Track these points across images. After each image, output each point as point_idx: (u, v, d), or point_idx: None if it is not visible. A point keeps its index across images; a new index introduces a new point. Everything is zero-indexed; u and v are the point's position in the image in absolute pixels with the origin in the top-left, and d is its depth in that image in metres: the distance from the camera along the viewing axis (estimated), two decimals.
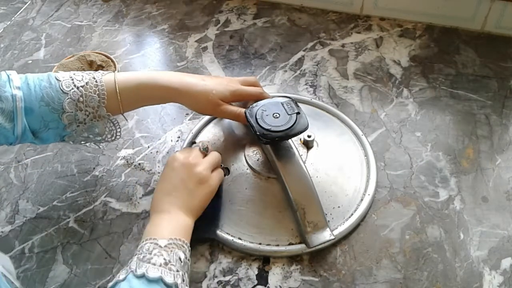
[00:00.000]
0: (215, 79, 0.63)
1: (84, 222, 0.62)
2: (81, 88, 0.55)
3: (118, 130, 0.60)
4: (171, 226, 0.52)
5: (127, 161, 0.69)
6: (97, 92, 0.56)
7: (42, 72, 0.84)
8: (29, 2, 1.03)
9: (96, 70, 0.81)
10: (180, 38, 0.89)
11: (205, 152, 0.60)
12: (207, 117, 0.73)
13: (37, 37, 0.93)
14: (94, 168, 0.69)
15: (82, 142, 0.60)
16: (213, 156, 0.60)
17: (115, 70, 0.78)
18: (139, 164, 0.69)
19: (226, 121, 0.72)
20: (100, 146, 0.62)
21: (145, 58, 0.86)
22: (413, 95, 0.75)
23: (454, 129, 0.70)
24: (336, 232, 0.58)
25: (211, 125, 0.72)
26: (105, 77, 0.57)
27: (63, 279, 0.57)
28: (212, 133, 0.71)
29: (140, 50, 0.88)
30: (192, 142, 0.69)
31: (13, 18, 0.99)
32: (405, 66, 0.80)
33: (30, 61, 0.87)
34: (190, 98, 0.60)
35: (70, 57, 0.82)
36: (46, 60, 0.87)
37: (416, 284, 0.54)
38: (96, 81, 0.56)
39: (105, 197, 0.65)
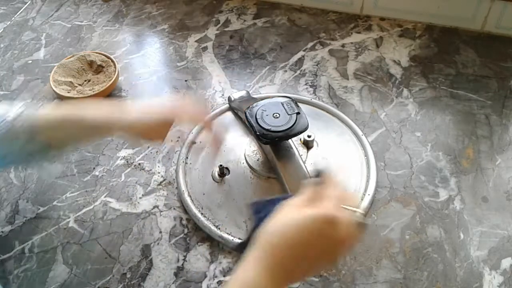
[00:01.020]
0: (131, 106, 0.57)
1: (84, 222, 0.62)
2: (11, 121, 0.52)
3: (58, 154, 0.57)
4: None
5: (127, 161, 0.69)
6: (30, 124, 0.53)
7: (42, 71, 0.85)
8: (29, 2, 1.03)
9: (96, 70, 0.81)
10: (180, 38, 0.89)
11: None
12: (207, 117, 0.73)
13: (37, 37, 0.93)
14: (94, 168, 0.69)
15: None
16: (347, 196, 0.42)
17: (115, 70, 0.79)
18: (139, 164, 0.69)
19: (226, 121, 0.72)
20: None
21: (145, 58, 0.86)
22: (413, 95, 0.75)
23: (454, 129, 0.70)
24: None
25: None
26: (39, 112, 0.54)
27: (63, 279, 0.57)
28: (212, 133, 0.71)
29: (140, 50, 0.88)
30: (193, 142, 0.69)
31: (13, 18, 0.98)
32: (405, 66, 0.80)
33: (30, 61, 0.87)
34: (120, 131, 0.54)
35: (70, 57, 0.82)
36: (46, 60, 0.87)
37: (416, 284, 0.54)
38: (24, 115, 0.53)
39: (105, 197, 0.65)
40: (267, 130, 0.57)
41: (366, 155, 0.66)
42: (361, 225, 0.40)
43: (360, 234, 0.40)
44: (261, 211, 0.44)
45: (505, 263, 0.56)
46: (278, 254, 0.38)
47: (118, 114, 0.54)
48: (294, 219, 0.39)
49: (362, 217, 0.40)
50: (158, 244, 0.60)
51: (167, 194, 0.65)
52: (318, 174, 0.43)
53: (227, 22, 0.92)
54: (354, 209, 0.40)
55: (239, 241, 0.57)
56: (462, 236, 0.58)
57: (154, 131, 0.54)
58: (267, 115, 0.58)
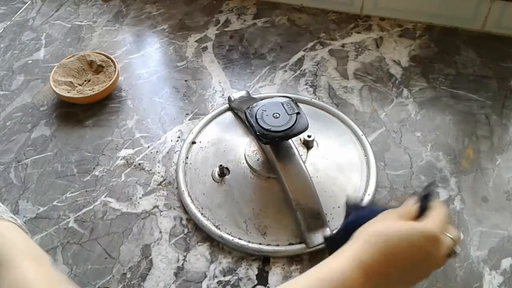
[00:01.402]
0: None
1: (84, 222, 0.62)
2: None
3: None
4: None
5: (127, 161, 0.69)
6: None
7: (42, 71, 0.85)
8: (29, 2, 1.03)
9: (96, 70, 0.81)
10: (180, 38, 0.89)
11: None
12: (207, 117, 0.73)
13: (37, 37, 0.93)
14: (94, 168, 0.69)
15: None
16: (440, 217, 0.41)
17: (115, 70, 0.79)
18: (139, 164, 0.69)
19: (227, 121, 0.72)
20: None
21: (145, 58, 0.86)
22: (413, 95, 0.75)
23: (454, 129, 0.70)
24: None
25: (211, 125, 0.72)
26: None
27: None
28: (212, 133, 0.71)
29: (140, 50, 0.88)
30: (193, 142, 0.69)
31: (13, 18, 0.99)
32: (405, 66, 0.80)
33: (30, 61, 0.87)
34: None
35: (70, 57, 0.82)
36: (46, 60, 0.87)
37: (416, 284, 0.54)
38: None
39: (105, 197, 0.65)
40: (267, 130, 0.57)
41: (366, 155, 0.66)
42: (453, 253, 0.41)
43: (448, 261, 0.41)
44: (359, 212, 0.44)
45: (505, 263, 0.56)
46: (380, 259, 0.37)
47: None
48: (401, 229, 0.39)
49: (457, 247, 0.41)
50: (158, 244, 0.60)
51: (167, 194, 0.65)
52: (428, 194, 0.42)
53: (227, 22, 0.92)
54: (451, 236, 0.41)
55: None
56: (462, 236, 0.58)
57: None
58: (267, 115, 0.58)
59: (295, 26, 0.91)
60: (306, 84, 0.78)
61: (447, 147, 0.68)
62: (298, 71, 0.81)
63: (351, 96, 0.76)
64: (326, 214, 0.59)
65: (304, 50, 0.85)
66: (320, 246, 0.56)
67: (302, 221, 0.57)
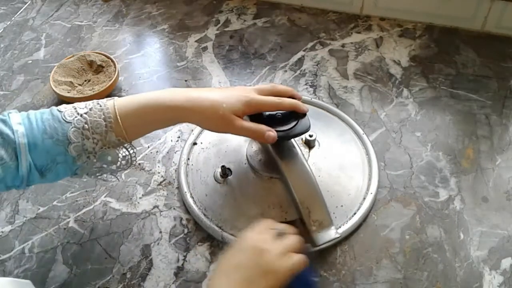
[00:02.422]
0: (225, 91, 0.56)
1: (84, 222, 0.62)
2: (84, 115, 0.50)
3: (133, 154, 0.54)
4: None
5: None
6: (103, 117, 0.50)
7: (42, 71, 0.85)
8: (29, 2, 1.03)
9: (96, 70, 0.81)
10: (180, 38, 0.89)
11: (281, 234, 0.51)
12: None
13: (37, 37, 0.93)
14: None
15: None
16: (290, 240, 0.50)
17: (115, 70, 0.79)
18: (139, 164, 0.69)
19: None
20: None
21: (145, 58, 0.86)
22: (413, 95, 0.75)
23: (454, 129, 0.70)
24: (339, 231, 0.58)
25: None
26: (108, 103, 0.52)
27: (63, 279, 0.57)
28: (213, 134, 0.70)
29: (140, 50, 0.88)
30: (194, 143, 0.69)
31: (13, 18, 0.99)
32: (405, 66, 0.80)
33: (30, 61, 0.87)
34: (199, 116, 0.53)
35: (70, 57, 0.82)
36: (46, 60, 0.87)
37: (416, 284, 0.54)
38: (100, 106, 0.51)
39: (105, 197, 0.65)
40: None
41: (367, 153, 0.66)
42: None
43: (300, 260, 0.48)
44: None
45: (505, 263, 0.56)
46: (224, 278, 0.47)
47: (196, 97, 0.53)
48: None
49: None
50: (158, 244, 0.60)
51: (167, 194, 0.65)
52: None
53: (227, 22, 0.92)
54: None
55: None
56: (462, 236, 0.58)
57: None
58: (268, 116, 0.58)
59: (295, 26, 0.91)
60: (306, 84, 0.79)
61: (447, 147, 0.68)
62: (298, 71, 0.81)
63: (351, 96, 0.76)
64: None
65: (304, 50, 0.85)
66: (325, 245, 0.56)
67: (307, 220, 0.57)
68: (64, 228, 0.62)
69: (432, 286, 0.54)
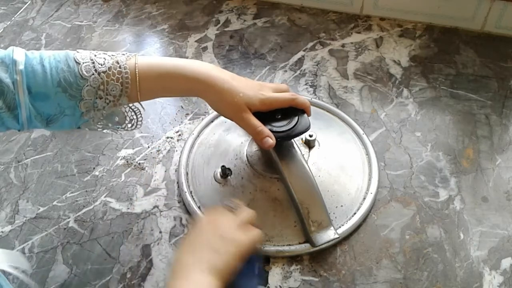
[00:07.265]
0: (246, 82, 0.56)
1: (84, 222, 0.62)
2: (102, 74, 0.49)
3: (140, 118, 0.55)
4: None
5: (127, 161, 0.69)
6: (120, 80, 0.50)
7: None
8: (29, 2, 1.03)
9: None
10: (180, 38, 0.89)
11: (234, 210, 0.53)
12: (208, 117, 0.73)
13: (37, 37, 0.93)
14: (94, 168, 0.69)
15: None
16: (244, 213, 0.52)
17: None
18: (139, 164, 0.69)
19: (228, 121, 0.72)
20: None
21: None
22: (413, 95, 0.75)
23: (454, 129, 0.70)
24: (339, 231, 0.58)
25: (212, 125, 0.72)
26: (129, 64, 0.51)
27: (63, 279, 0.57)
28: (213, 134, 0.71)
29: (140, 50, 0.88)
30: (194, 144, 0.69)
31: (13, 18, 0.98)
32: (405, 66, 0.80)
33: None
34: (215, 95, 0.53)
35: None
36: None
37: (416, 284, 0.54)
38: (119, 67, 0.50)
39: (105, 197, 0.65)
40: (269, 130, 0.57)
41: (367, 153, 0.66)
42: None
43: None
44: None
45: (505, 263, 0.56)
46: (189, 258, 0.46)
47: (218, 77, 0.53)
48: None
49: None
50: (158, 244, 0.60)
51: (167, 194, 0.65)
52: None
53: (227, 22, 0.92)
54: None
55: None
56: (462, 236, 0.58)
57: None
58: (268, 116, 0.58)
59: (295, 26, 0.91)
60: (306, 84, 0.79)
61: (447, 147, 0.68)
62: (298, 71, 0.81)
63: (351, 96, 0.76)
64: (329, 213, 0.59)
65: (304, 50, 0.85)
66: (324, 246, 0.56)
67: (306, 221, 0.57)
68: (64, 228, 0.62)
69: (432, 286, 0.54)
